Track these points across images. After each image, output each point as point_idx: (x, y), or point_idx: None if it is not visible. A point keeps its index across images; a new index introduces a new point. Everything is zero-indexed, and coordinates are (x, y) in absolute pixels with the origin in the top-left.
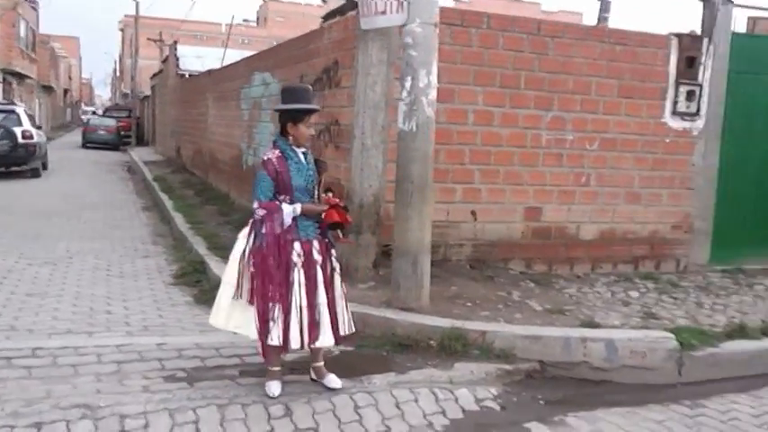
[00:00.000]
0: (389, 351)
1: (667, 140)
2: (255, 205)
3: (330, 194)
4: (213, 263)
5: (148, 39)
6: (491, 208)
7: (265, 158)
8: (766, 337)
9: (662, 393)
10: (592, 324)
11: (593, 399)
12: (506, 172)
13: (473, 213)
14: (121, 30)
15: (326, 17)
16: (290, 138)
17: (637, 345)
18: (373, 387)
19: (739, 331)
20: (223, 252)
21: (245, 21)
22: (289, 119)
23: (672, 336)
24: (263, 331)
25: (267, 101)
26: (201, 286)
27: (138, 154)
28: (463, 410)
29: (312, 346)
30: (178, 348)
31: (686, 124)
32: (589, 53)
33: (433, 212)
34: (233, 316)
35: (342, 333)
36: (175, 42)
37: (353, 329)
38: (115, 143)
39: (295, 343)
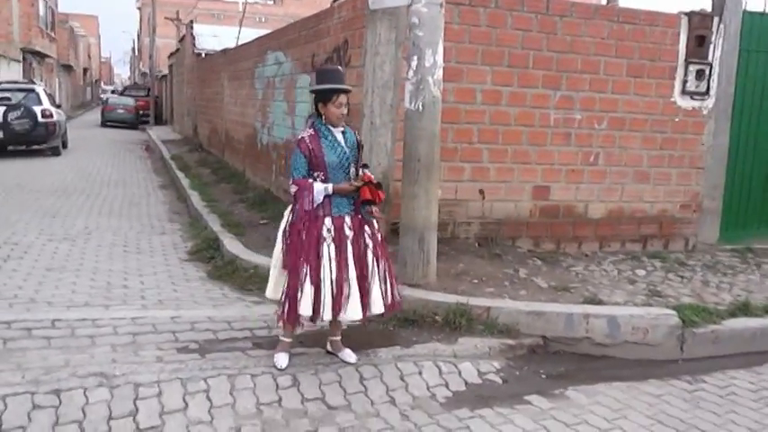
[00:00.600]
0: (395, 326)
1: (677, 120)
2: (290, 182)
3: (367, 171)
4: (227, 240)
5: (166, 18)
6: (499, 186)
7: (300, 137)
8: None
9: (663, 369)
10: (595, 301)
11: (594, 373)
12: (515, 151)
13: (481, 192)
14: (139, 8)
15: None
16: (323, 117)
17: (639, 321)
18: (379, 360)
19: (743, 309)
20: (237, 229)
21: None
22: (320, 99)
23: (674, 313)
24: (293, 302)
25: (280, 80)
26: (215, 262)
27: (156, 133)
28: (466, 383)
29: (339, 318)
30: (191, 321)
31: (696, 103)
32: (598, 32)
33: (442, 191)
34: (280, 286)
35: (375, 308)
36: (191, 21)
37: (394, 305)
38: (133, 122)
39: (327, 314)
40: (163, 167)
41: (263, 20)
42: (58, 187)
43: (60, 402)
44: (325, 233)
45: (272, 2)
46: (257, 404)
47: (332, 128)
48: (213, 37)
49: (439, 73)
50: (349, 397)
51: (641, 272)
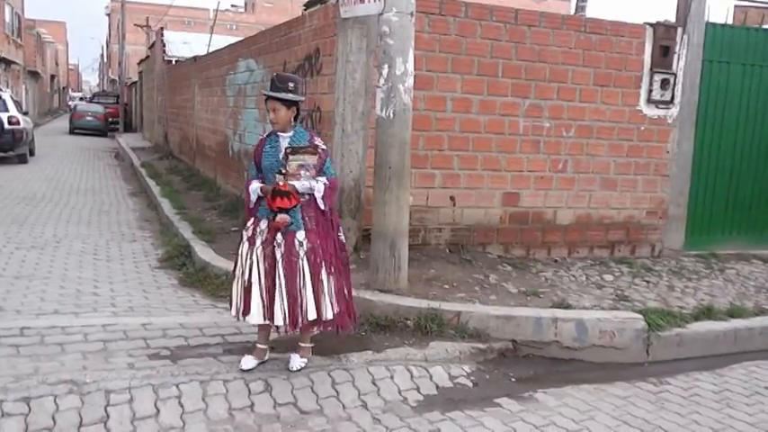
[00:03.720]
0: (368, 331)
1: (642, 128)
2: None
3: (279, 177)
4: (198, 247)
5: (135, 24)
6: (470, 193)
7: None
8: (732, 318)
9: (630, 372)
10: (564, 305)
11: (562, 376)
12: (485, 158)
13: (452, 198)
14: (108, 15)
15: (308, 5)
16: None
17: (606, 325)
18: (351, 365)
19: (706, 313)
20: (208, 236)
21: (233, 6)
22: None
23: (640, 317)
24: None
25: (252, 87)
26: (186, 269)
27: (126, 140)
28: (437, 387)
29: (268, 323)
30: (162, 328)
31: (661, 112)
32: (565, 42)
33: (413, 197)
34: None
35: (302, 319)
36: (162, 28)
37: (334, 322)
38: (103, 129)
39: (254, 318)
40: (133, 175)
41: (235, 27)
42: (26, 195)
43: (30, 410)
44: (257, 235)
45: (243, 9)
46: (229, 409)
47: (280, 133)
48: (184, 44)
49: (409, 81)
50: (321, 402)
51: (609, 277)
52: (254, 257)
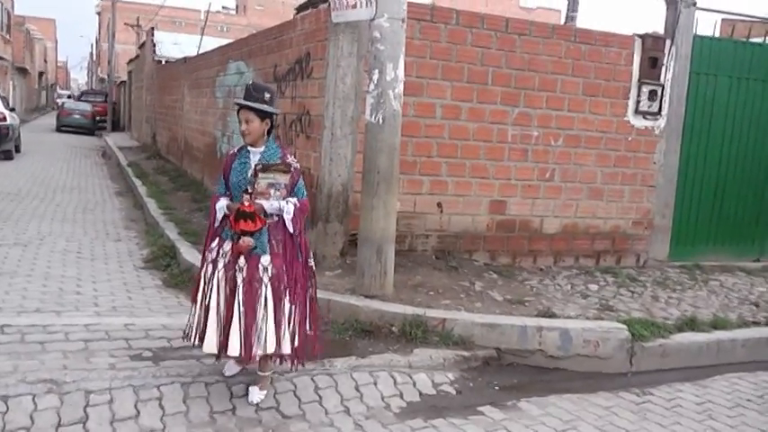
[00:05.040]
0: (352, 336)
1: (630, 138)
2: None
3: (245, 197)
4: (184, 248)
5: (126, 24)
6: (457, 200)
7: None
8: (715, 330)
9: (613, 382)
10: (549, 314)
11: (546, 385)
12: (473, 165)
13: (439, 205)
14: (98, 13)
15: (300, 8)
16: None
17: (590, 335)
18: (334, 370)
19: (690, 324)
20: (194, 238)
21: (224, 8)
22: None
23: (624, 327)
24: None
25: (241, 89)
26: (171, 270)
27: (114, 139)
28: (420, 394)
29: (223, 353)
30: (145, 329)
31: (648, 123)
32: (555, 51)
33: (401, 203)
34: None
35: (257, 351)
36: (152, 29)
37: (284, 349)
38: (90, 128)
39: (208, 346)
40: (119, 174)
41: (226, 29)
42: (10, 191)
43: (8, 409)
44: (220, 256)
45: (234, 11)
46: (210, 413)
47: (251, 147)
48: (174, 44)
49: (400, 87)
50: (303, 406)
51: (594, 286)
52: (215, 281)
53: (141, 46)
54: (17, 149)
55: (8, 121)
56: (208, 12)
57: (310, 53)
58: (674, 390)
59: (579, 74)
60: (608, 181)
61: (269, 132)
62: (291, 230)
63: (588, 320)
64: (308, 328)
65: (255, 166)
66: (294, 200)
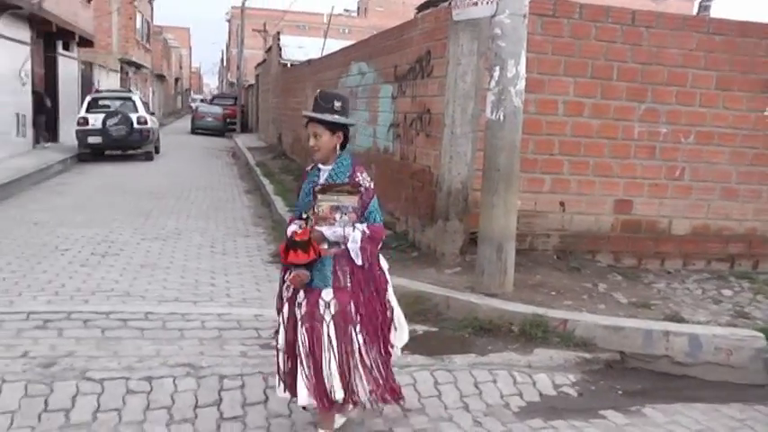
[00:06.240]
0: (471, 334)
1: None
2: None
3: (295, 225)
4: None
5: (253, 30)
6: (580, 199)
7: None
8: None
9: (747, 393)
10: (677, 319)
11: (672, 393)
12: (596, 163)
13: (561, 204)
14: (228, 21)
15: (420, 8)
16: None
17: (722, 342)
18: (453, 366)
19: None
20: None
21: (345, 11)
22: None
23: (761, 335)
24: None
25: (363, 90)
26: None
27: (242, 140)
28: (540, 394)
29: (293, 396)
30: (274, 320)
31: None
32: (685, 43)
33: (521, 202)
34: None
35: (327, 398)
36: (278, 33)
37: (356, 396)
38: (221, 130)
39: (278, 391)
40: (248, 173)
41: (347, 31)
42: (151, 190)
43: (152, 389)
44: (284, 290)
45: (355, 14)
46: None
47: (321, 165)
48: (299, 48)
49: (521, 84)
50: (423, 400)
51: (727, 292)
52: (281, 318)
53: (268, 50)
54: (156, 151)
55: (149, 125)
56: (331, 15)
57: (430, 52)
58: None
59: (712, 67)
60: (743, 180)
61: (343, 146)
62: (358, 262)
63: (720, 327)
64: (382, 369)
65: (314, 187)
66: (363, 226)
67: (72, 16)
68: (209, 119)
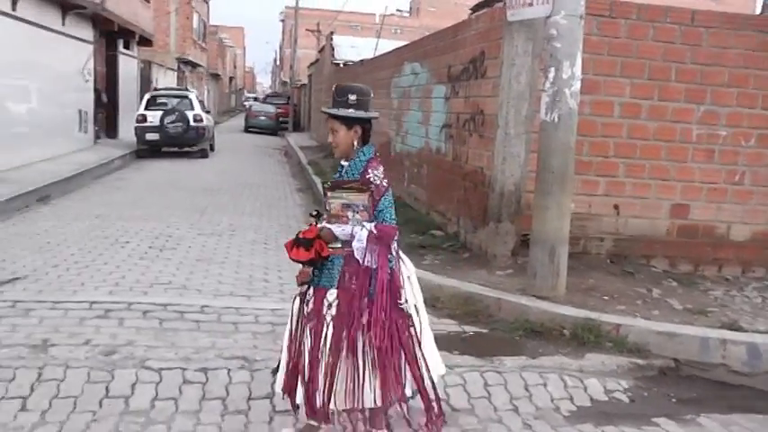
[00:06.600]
0: (522, 336)
1: None
2: None
3: (312, 221)
4: None
5: (307, 29)
6: (635, 203)
7: None
8: None
9: None
10: (735, 327)
11: (729, 402)
12: (652, 166)
13: (616, 207)
14: (282, 21)
15: (475, 8)
16: None
17: None
18: (503, 368)
19: None
20: None
21: (398, 11)
22: None
23: None
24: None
25: (416, 90)
26: None
27: (294, 139)
28: (591, 399)
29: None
30: None
31: None
32: (748, 44)
33: (574, 204)
34: None
35: (322, 405)
36: (331, 33)
37: (359, 405)
38: (274, 128)
39: (277, 384)
40: (300, 172)
41: (399, 31)
42: (205, 187)
43: (207, 380)
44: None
45: (407, 14)
46: None
47: (342, 161)
48: (351, 48)
49: (576, 85)
50: (473, 401)
51: None
52: (290, 312)
53: (321, 50)
54: (212, 148)
55: (205, 123)
56: (384, 15)
57: (484, 52)
58: None
59: None
60: None
61: (365, 141)
62: (362, 262)
63: None
64: (407, 389)
65: (323, 184)
66: (370, 225)
67: (133, 16)
68: (263, 117)
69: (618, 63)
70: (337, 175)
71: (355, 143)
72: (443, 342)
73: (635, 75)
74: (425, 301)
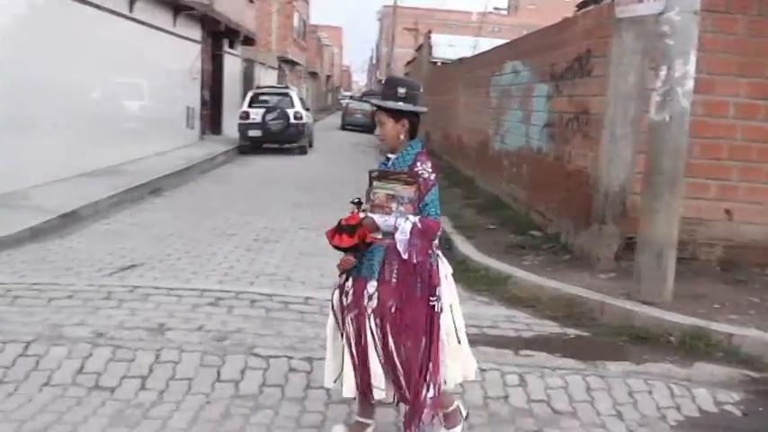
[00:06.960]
0: (625, 341)
1: None
2: None
3: (354, 209)
4: (459, 241)
5: (404, 28)
6: (749, 208)
7: None
8: None
9: None
10: None
11: None
12: None
13: (728, 212)
14: (380, 20)
15: (581, 5)
16: None
17: None
18: (607, 373)
19: None
20: (467, 231)
21: (495, 9)
22: None
23: None
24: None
25: (517, 88)
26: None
27: None
28: (699, 409)
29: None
30: None
31: None
32: None
33: (683, 208)
34: None
35: (369, 392)
36: (429, 32)
37: (415, 410)
38: (370, 126)
39: (327, 379)
40: None
41: (497, 29)
42: (305, 182)
43: (312, 369)
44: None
45: (506, 12)
46: (484, 396)
47: (389, 154)
48: (449, 46)
49: (689, 84)
50: (575, 404)
51: None
52: (331, 303)
53: (418, 49)
54: (310, 145)
55: (304, 120)
56: (483, 13)
57: (590, 50)
58: None
59: None
60: None
61: (412, 135)
62: (404, 255)
63: None
64: (427, 389)
65: (370, 173)
66: (416, 218)
67: (238, 16)
68: (359, 115)
69: (734, 61)
70: (383, 166)
71: (402, 137)
72: (544, 343)
73: (753, 73)
74: (525, 301)
